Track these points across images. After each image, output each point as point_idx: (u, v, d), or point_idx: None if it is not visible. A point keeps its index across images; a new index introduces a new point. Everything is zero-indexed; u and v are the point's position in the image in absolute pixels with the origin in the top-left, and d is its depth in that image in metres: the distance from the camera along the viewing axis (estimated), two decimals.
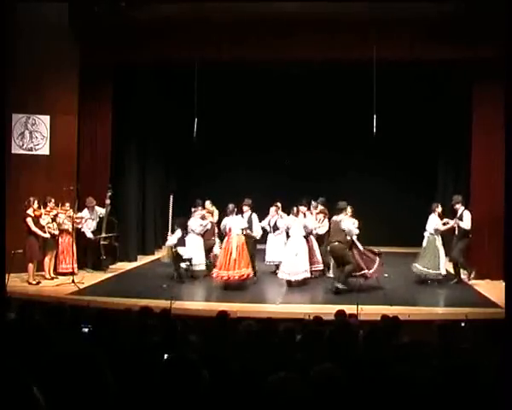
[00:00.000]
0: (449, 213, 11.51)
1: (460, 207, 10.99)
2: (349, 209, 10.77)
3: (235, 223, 10.54)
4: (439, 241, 10.95)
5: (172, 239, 10.98)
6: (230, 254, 10.23)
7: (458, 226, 10.95)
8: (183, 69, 12.44)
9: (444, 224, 11.00)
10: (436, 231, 10.93)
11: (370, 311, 8.08)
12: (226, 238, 10.54)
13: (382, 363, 3.58)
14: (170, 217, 11.48)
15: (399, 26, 11.13)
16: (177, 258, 10.93)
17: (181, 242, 10.99)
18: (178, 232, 10.99)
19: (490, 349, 4.55)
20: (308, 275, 10.71)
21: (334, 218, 10.34)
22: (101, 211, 11.84)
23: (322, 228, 11.45)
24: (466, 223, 10.92)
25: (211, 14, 11.24)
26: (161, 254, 11.49)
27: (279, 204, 11.97)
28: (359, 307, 7.61)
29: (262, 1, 11.48)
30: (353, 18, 11.12)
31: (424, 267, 10.86)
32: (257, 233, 11.30)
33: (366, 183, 15.00)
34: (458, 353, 4.52)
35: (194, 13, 11.25)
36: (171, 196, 11.71)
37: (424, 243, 10.99)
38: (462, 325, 6.52)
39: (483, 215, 11.35)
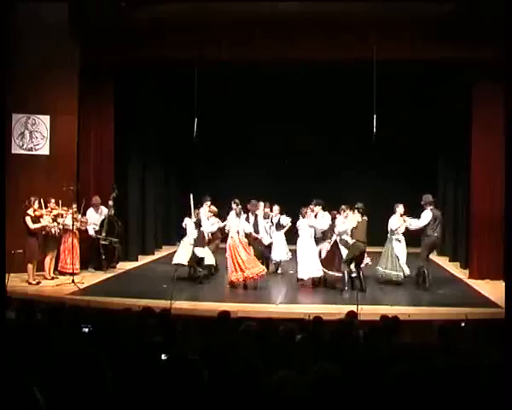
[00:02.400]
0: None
1: (426, 208, 10.52)
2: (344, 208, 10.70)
3: (240, 225, 10.53)
4: (397, 241, 10.75)
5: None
6: (239, 255, 10.22)
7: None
8: (183, 69, 12.44)
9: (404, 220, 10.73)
10: (392, 231, 10.80)
11: (370, 311, 8.08)
12: (229, 242, 10.47)
13: (382, 363, 3.58)
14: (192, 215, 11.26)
15: (399, 26, 11.13)
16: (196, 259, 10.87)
17: (198, 242, 10.88)
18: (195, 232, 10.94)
19: (490, 349, 4.55)
20: (321, 273, 10.68)
21: (359, 218, 10.31)
22: (106, 211, 11.83)
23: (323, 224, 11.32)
24: (419, 222, 10.47)
25: (211, 14, 11.24)
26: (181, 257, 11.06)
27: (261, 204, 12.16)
28: (359, 307, 7.62)
29: (262, 1, 11.49)
30: (353, 18, 11.12)
31: (381, 268, 10.77)
32: (262, 234, 11.42)
33: (366, 182, 14.99)
34: (458, 353, 4.52)
35: (194, 13, 11.24)
36: (191, 195, 11.55)
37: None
38: (462, 325, 6.52)
39: (483, 215, 11.34)
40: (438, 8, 10.98)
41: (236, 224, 10.53)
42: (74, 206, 11.05)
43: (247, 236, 10.84)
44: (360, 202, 10.34)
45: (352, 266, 10.19)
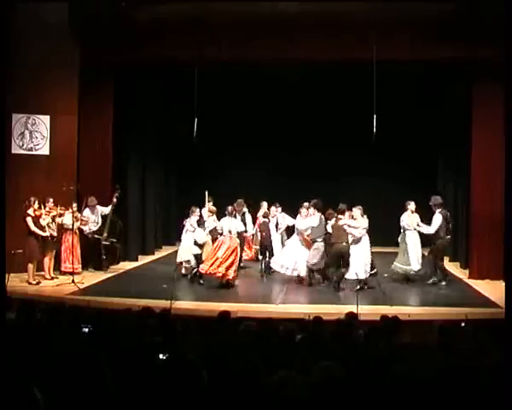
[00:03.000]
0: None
1: (435, 210, 10.77)
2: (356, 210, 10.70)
3: (232, 225, 10.55)
4: (411, 238, 10.85)
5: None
6: (217, 251, 10.30)
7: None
8: (183, 69, 12.44)
9: (418, 225, 10.90)
10: (404, 228, 10.92)
11: (370, 311, 8.08)
12: (221, 238, 10.56)
13: (382, 363, 3.58)
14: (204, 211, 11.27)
15: (399, 26, 11.13)
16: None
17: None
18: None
19: (490, 349, 4.55)
20: (291, 274, 10.78)
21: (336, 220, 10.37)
22: (102, 210, 11.82)
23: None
24: (430, 228, 10.69)
25: (211, 14, 11.24)
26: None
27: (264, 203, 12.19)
28: (359, 307, 7.62)
29: (262, 1, 11.49)
30: (353, 18, 11.12)
31: (398, 263, 10.96)
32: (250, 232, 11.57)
33: (366, 183, 15.00)
34: (458, 353, 4.52)
35: (194, 13, 11.25)
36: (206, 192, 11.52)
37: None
38: (462, 325, 6.52)
39: (483, 215, 11.34)
40: (438, 8, 10.98)
41: (228, 223, 10.55)
42: (74, 205, 11.04)
43: (239, 235, 10.87)
44: (343, 204, 10.52)
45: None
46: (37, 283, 10.45)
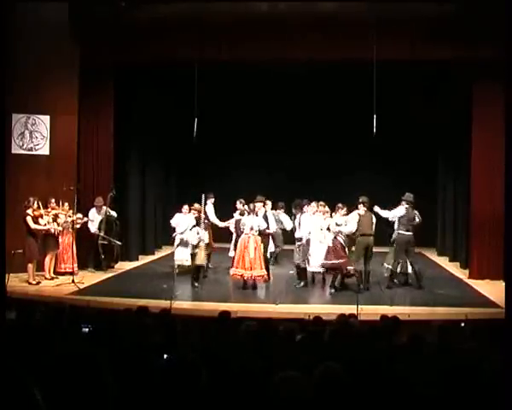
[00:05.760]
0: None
1: (403, 205, 10.47)
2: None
3: (253, 222, 10.52)
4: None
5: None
6: (248, 253, 10.21)
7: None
8: (182, 69, 12.43)
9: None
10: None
11: (370, 311, 8.09)
12: (243, 237, 10.43)
13: (382, 363, 3.58)
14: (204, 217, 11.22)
15: (399, 26, 11.13)
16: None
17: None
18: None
19: (490, 349, 4.55)
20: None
21: (361, 212, 10.28)
22: (109, 212, 11.79)
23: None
24: (389, 213, 10.47)
25: (211, 14, 11.25)
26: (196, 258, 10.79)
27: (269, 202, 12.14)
28: (359, 307, 7.62)
29: (262, 1, 11.49)
30: (353, 18, 11.12)
31: (386, 264, 10.90)
32: (272, 229, 11.44)
33: (365, 183, 14.96)
34: (458, 353, 4.52)
35: (194, 13, 11.25)
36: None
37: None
38: (462, 325, 6.53)
39: (483, 215, 11.35)
40: (437, 8, 10.99)
41: (250, 221, 10.52)
42: (66, 204, 11.03)
43: (261, 233, 10.80)
44: (365, 196, 10.41)
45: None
46: (37, 283, 10.45)
